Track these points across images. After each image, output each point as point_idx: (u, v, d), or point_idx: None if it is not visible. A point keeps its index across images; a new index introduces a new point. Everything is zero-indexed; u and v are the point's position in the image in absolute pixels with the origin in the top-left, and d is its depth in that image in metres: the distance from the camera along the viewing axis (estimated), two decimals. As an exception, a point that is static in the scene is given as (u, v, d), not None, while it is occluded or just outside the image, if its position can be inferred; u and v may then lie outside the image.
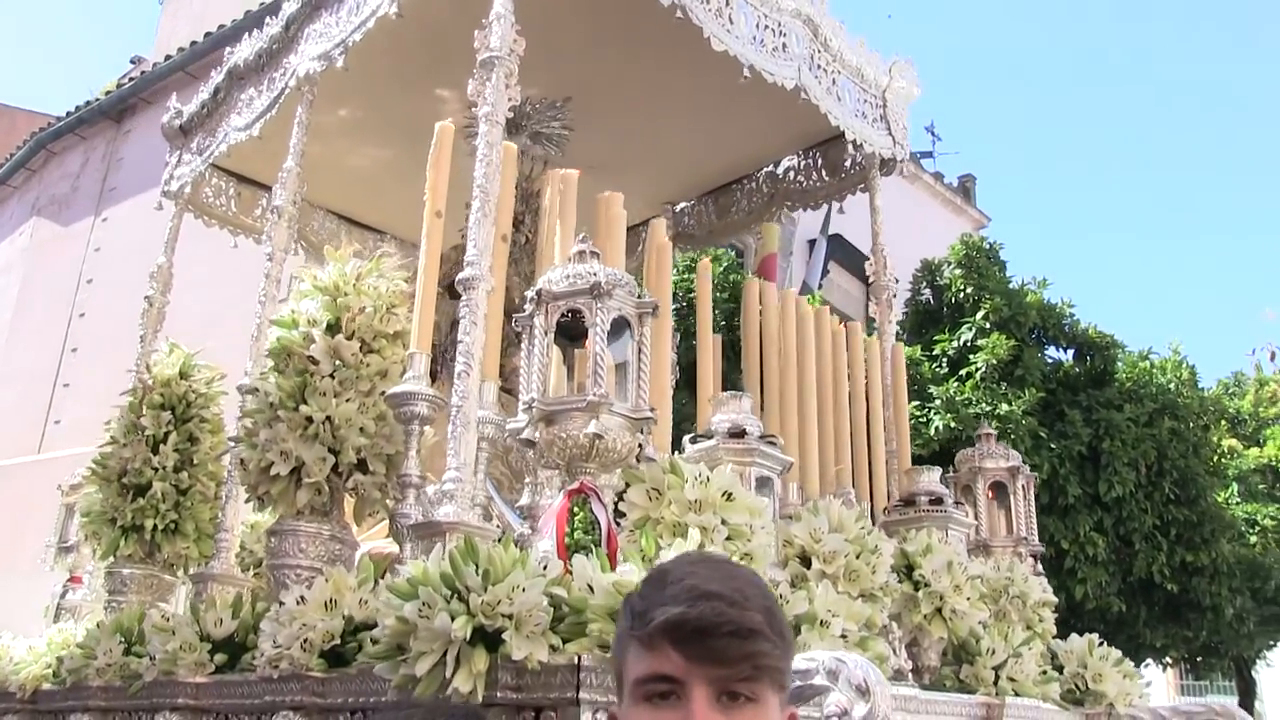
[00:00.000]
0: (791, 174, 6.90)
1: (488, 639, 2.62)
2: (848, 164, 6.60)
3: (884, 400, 5.39)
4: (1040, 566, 5.18)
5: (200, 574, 4.69)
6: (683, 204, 7.31)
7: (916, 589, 4.13)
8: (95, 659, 4.41)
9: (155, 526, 5.08)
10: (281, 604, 3.47)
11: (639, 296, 3.34)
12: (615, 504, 3.26)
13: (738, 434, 3.70)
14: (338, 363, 4.14)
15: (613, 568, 2.88)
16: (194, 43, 13.97)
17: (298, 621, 3.33)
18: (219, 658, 3.91)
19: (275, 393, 4.07)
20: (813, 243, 15.22)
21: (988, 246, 12.97)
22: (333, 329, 4.18)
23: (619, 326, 3.31)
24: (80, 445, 12.90)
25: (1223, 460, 13.27)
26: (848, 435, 5.03)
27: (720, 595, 1.38)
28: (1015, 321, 11.76)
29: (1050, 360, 12.09)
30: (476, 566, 2.72)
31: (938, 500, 4.66)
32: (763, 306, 5.16)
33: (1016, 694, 4.12)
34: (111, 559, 5.18)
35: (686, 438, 3.88)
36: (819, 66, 5.72)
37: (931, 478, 4.76)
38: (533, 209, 6.00)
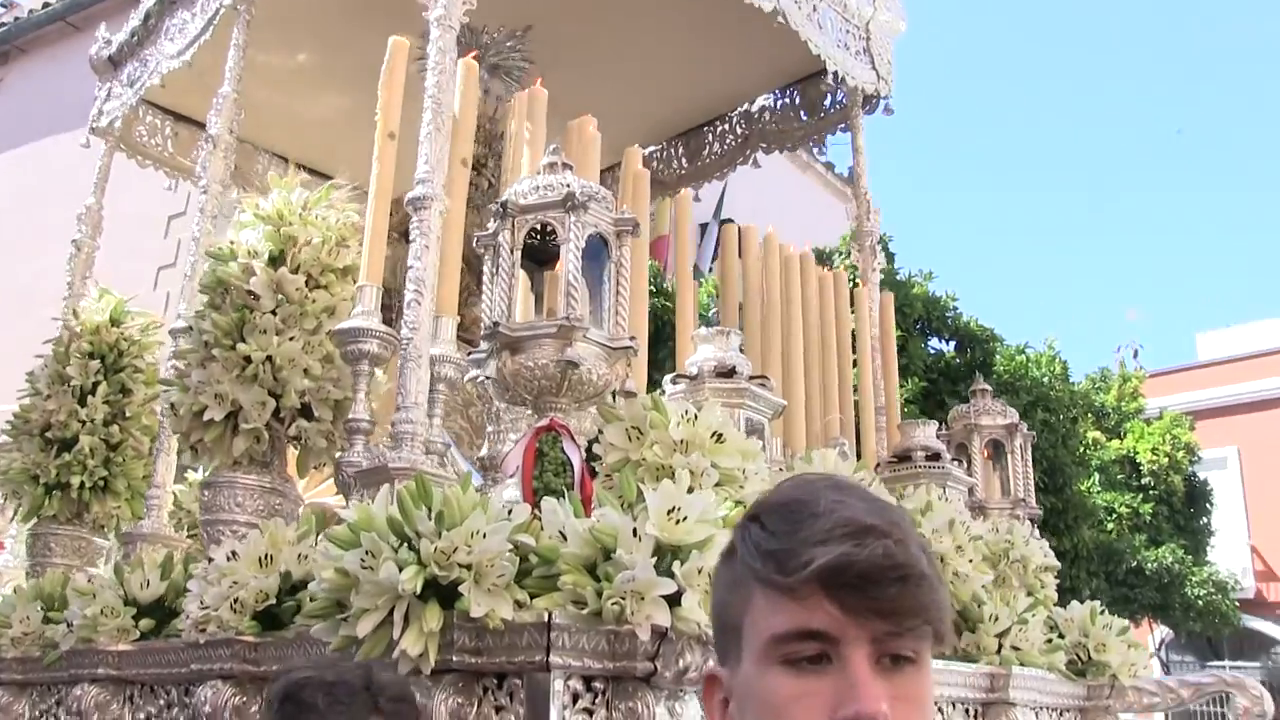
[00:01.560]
0: (767, 114, 6.51)
1: (442, 593, 2.24)
2: (827, 103, 6.23)
3: (871, 351, 5.04)
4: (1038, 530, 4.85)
5: (129, 534, 4.26)
6: (650, 147, 6.90)
7: (916, 548, 3.78)
8: (10, 628, 3.98)
9: (83, 484, 4.63)
10: (211, 560, 3.07)
11: (618, 213, 2.96)
12: (589, 445, 2.89)
13: (725, 373, 3.33)
14: (280, 298, 3.71)
15: (587, 514, 2.51)
16: (77, -12, 13.31)
17: (228, 579, 2.93)
18: (144, 623, 3.50)
19: (211, 330, 3.66)
20: (704, 226, 14.78)
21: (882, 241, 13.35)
22: (275, 261, 3.77)
23: (593, 248, 2.93)
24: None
25: (1087, 451, 13.90)
26: (834, 386, 4.68)
27: (883, 532, 1.05)
28: (901, 312, 12.07)
29: (933, 351, 12.36)
30: (429, 510, 2.34)
31: (934, 456, 4.32)
32: (743, 250, 4.80)
33: (1021, 664, 3.80)
34: (35, 520, 4.74)
35: (667, 377, 3.51)
36: (799, -9, 5.34)
37: (927, 432, 4.42)
38: (495, 152, 5.61)
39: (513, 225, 2.87)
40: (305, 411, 3.68)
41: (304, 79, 6.28)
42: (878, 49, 5.86)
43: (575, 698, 2.26)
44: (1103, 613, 4.33)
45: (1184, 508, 15.49)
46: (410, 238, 3.39)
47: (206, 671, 2.97)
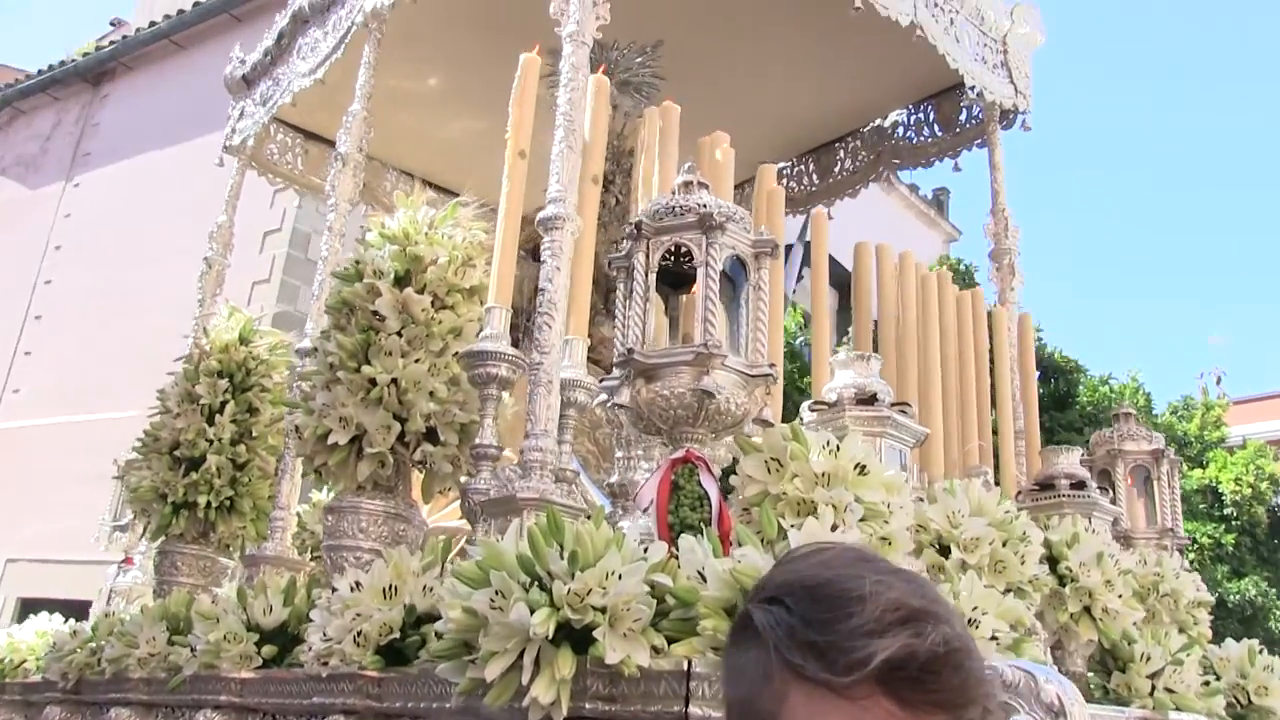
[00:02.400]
0: (900, 129, 6.35)
1: (575, 637, 2.12)
2: (963, 117, 6.03)
3: (1010, 374, 4.81)
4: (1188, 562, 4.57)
5: (252, 556, 4.25)
6: (781, 163, 6.74)
7: (1062, 584, 3.55)
8: (137, 648, 3.99)
9: (209, 503, 4.64)
10: (334, 590, 3.00)
11: (756, 233, 2.82)
12: (724, 477, 2.75)
13: (866, 400, 3.16)
14: (406, 319, 3.65)
15: (725, 552, 2.37)
16: (181, 11, 13.56)
17: (351, 611, 2.85)
18: (267, 650, 3.46)
19: (336, 352, 3.61)
20: (789, 248, 14.60)
21: (963, 269, 13.51)
22: (401, 281, 3.70)
23: (730, 271, 2.80)
24: (41, 416, 12.66)
25: (1170, 482, 13.98)
26: (973, 411, 4.46)
27: (935, 615, 0.97)
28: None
29: (1017, 383, 12.58)
30: (561, 548, 2.23)
31: (1079, 484, 4.08)
32: (878, 267, 4.62)
33: (1177, 707, 3.54)
34: (162, 539, 4.76)
35: (804, 404, 3.35)
36: (935, 4, 5.16)
37: (1071, 459, 4.17)
38: (624, 169, 5.54)
39: (647, 247, 2.75)
40: (431, 435, 3.60)
41: (432, 98, 6.29)
42: (1015, 62, 5.66)
43: (714, 750, 2.12)
44: (1261, 652, 4.06)
45: (1268, 539, 15.23)
46: (541, 258, 3.29)
47: (329, 706, 2.89)
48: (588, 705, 2.15)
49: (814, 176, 6.71)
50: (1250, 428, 18.18)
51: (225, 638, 3.45)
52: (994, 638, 2.72)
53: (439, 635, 2.71)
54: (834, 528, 2.28)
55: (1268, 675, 3.95)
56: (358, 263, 3.80)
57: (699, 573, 2.22)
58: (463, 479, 3.84)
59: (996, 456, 4.59)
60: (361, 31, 5.05)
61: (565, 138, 3.44)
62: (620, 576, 2.12)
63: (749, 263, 2.80)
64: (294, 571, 4.14)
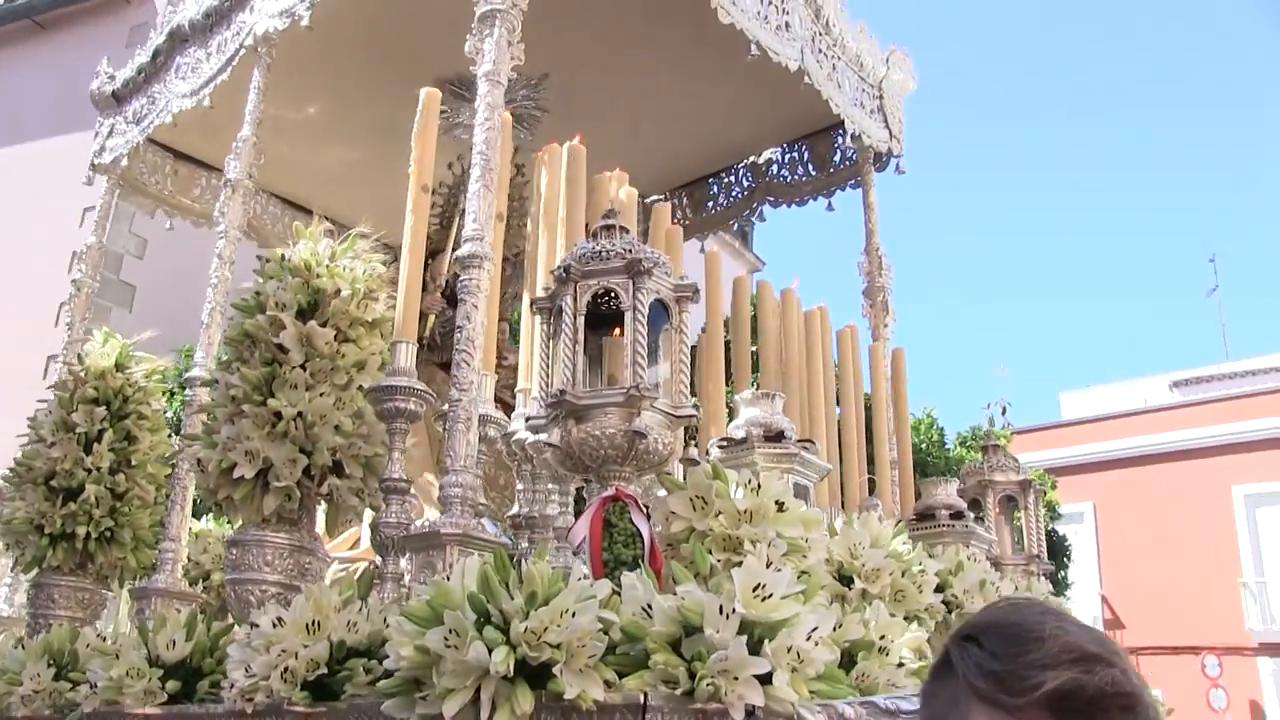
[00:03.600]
0: (774, 167, 6.57)
1: (530, 673, 2.19)
2: (836, 158, 6.30)
3: (886, 407, 5.04)
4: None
5: (143, 589, 4.16)
6: (654, 197, 6.90)
7: (949, 610, 3.76)
8: (20, 684, 3.86)
9: (89, 534, 4.51)
10: (255, 625, 2.99)
11: (677, 278, 2.94)
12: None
13: (774, 437, 3.30)
14: (310, 352, 3.65)
15: (659, 587, 2.48)
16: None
17: (276, 647, 2.85)
18: (170, 685, 3.41)
19: (239, 385, 3.58)
20: None
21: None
22: (304, 314, 3.70)
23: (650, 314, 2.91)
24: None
25: (957, 507, 15.12)
26: (854, 444, 4.66)
27: (1108, 660, 1.10)
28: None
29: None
30: (507, 587, 2.30)
31: (958, 514, 4.32)
32: (757, 303, 4.79)
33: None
34: (36, 571, 4.60)
35: (711, 440, 3.48)
36: (820, 51, 5.42)
37: (949, 490, 4.42)
38: (514, 201, 5.58)
39: (575, 290, 2.84)
40: (336, 468, 3.61)
41: (310, 126, 6.25)
42: (890, 108, 5.95)
43: (663, 779, 2.22)
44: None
45: (1051, 560, 16.21)
46: (459, 297, 3.35)
47: (252, 742, 2.89)
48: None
49: (688, 210, 6.89)
50: (1031, 455, 18.90)
51: (128, 673, 3.39)
52: (900, 664, 2.89)
53: (368, 670, 2.75)
54: (769, 564, 2.40)
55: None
56: (258, 294, 3.78)
57: (645, 609, 2.32)
58: (372, 513, 3.86)
59: (873, 488, 4.80)
60: (249, 55, 5.00)
61: (482, 176, 3.51)
62: (574, 614, 2.21)
63: (670, 306, 2.92)
64: (185, 604, 4.07)
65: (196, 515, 4.94)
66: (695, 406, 2.87)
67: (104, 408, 4.77)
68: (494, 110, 3.58)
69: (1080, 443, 23.93)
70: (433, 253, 5.63)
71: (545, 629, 2.18)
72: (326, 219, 6.75)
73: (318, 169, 6.62)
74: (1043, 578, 4.77)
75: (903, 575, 3.34)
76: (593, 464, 2.77)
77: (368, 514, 4.14)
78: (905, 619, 3.24)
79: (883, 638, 2.91)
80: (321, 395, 3.59)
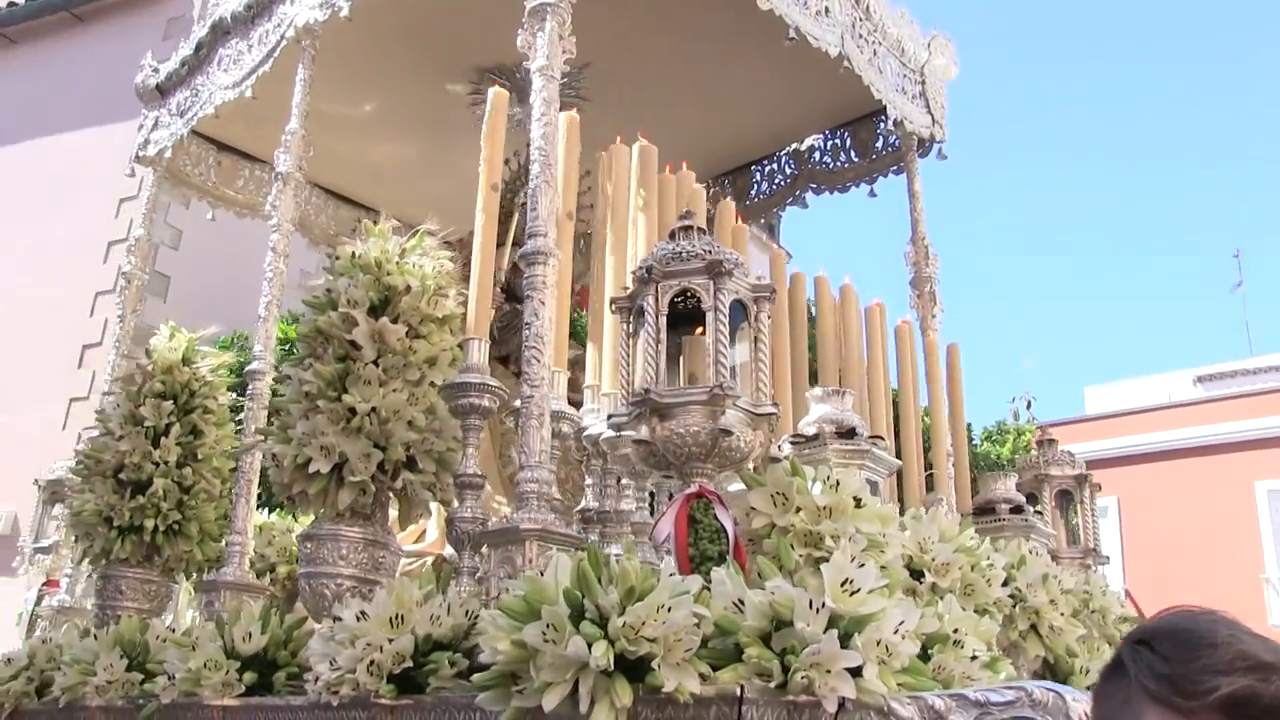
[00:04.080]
0: (817, 154, 6.59)
1: (627, 666, 2.24)
2: (879, 144, 6.31)
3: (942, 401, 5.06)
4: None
5: (211, 581, 4.22)
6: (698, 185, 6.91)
7: (1014, 603, 3.79)
8: (94, 675, 3.93)
9: (156, 527, 4.59)
10: (338, 619, 3.04)
11: (755, 279, 2.98)
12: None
13: (846, 433, 3.34)
14: (382, 348, 3.70)
15: (744, 581, 2.52)
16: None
17: (361, 641, 2.90)
18: (247, 677, 3.47)
19: (313, 380, 3.64)
20: None
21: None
22: (375, 311, 3.75)
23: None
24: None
25: (986, 504, 15.17)
26: (912, 439, 4.69)
27: (1279, 667, 1.12)
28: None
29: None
30: (602, 582, 2.34)
31: (1017, 508, 4.34)
32: (816, 299, 4.82)
33: (1113, 718, 3.80)
34: (103, 563, 4.68)
35: (783, 437, 3.52)
36: (860, 36, 5.42)
37: (1008, 484, 4.44)
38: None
39: (656, 290, 2.87)
40: (410, 463, 3.66)
41: (355, 119, 6.31)
42: (932, 93, 5.95)
43: (758, 770, 2.27)
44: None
45: None
46: (525, 294, 3.39)
47: (338, 733, 2.95)
48: (636, 733, 2.27)
49: (731, 199, 6.88)
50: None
51: (205, 665, 3.46)
52: (974, 657, 2.91)
53: (452, 664, 2.80)
54: (853, 560, 2.43)
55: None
56: (329, 291, 3.83)
57: (736, 603, 2.36)
58: (433, 505, 3.91)
59: (931, 482, 4.83)
60: (292, 46, 5.05)
61: (541, 173, 3.53)
62: (669, 609, 2.25)
63: (749, 305, 2.95)
64: (253, 596, 4.14)
65: (261, 508, 5.01)
66: (774, 405, 2.91)
67: (171, 401, 4.84)
68: (550, 105, 3.60)
69: (1105, 437, 23.79)
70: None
71: (643, 624, 2.22)
72: (363, 206, 6.92)
73: (361, 160, 6.69)
74: (1099, 569, 4.78)
75: (972, 569, 3.37)
76: (676, 461, 2.81)
77: (434, 507, 4.20)
78: (975, 612, 3.27)
79: (956, 631, 2.93)
80: (395, 391, 3.64)
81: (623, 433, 2.90)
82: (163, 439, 4.73)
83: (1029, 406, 21.21)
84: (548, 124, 3.62)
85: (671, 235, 3.04)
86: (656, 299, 2.87)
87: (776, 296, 3.01)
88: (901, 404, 4.73)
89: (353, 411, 3.59)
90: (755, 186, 6.98)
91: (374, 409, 3.59)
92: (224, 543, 4.51)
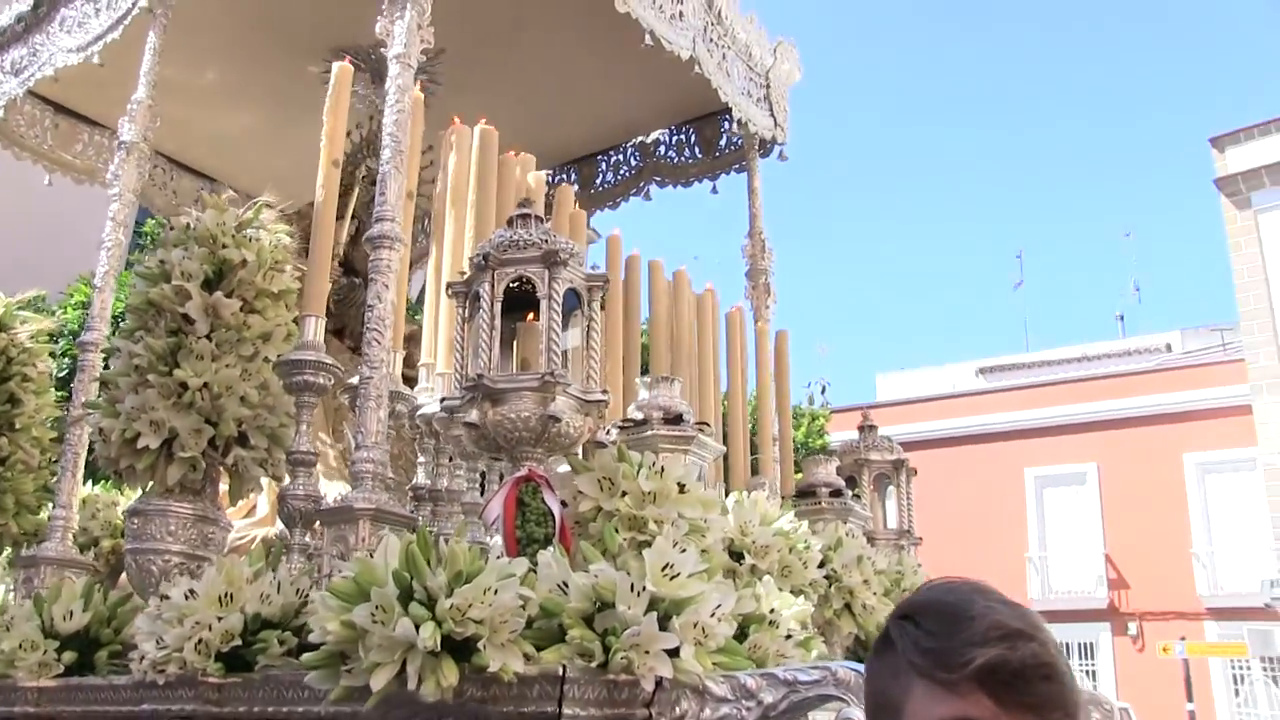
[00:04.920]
0: (662, 148, 6.71)
1: (454, 646, 2.31)
2: (722, 143, 6.46)
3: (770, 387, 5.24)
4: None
5: (32, 556, 4.12)
6: (543, 172, 6.96)
7: (830, 583, 3.99)
8: (-98, 653, 3.80)
9: (-32, 499, 4.45)
10: (165, 597, 3.03)
11: (590, 268, 3.07)
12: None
13: (673, 419, 3.46)
14: (216, 322, 3.67)
15: (569, 564, 2.61)
16: None
17: (190, 619, 2.90)
18: (67, 656, 3.42)
19: (144, 354, 3.58)
20: None
21: None
22: (210, 284, 3.71)
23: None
24: None
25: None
26: (739, 423, 4.85)
27: (1029, 635, 1.25)
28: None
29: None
30: (430, 564, 2.41)
31: (837, 492, 4.55)
32: (650, 283, 4.93)
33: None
34: (-88, 534, 4.52)
35: (611, 422, 3.62)
36: (711, 40, 5.54)
37: (829, 469, 4.65)
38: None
39: (493, 277, 2.94)
40: (242, 439, 3.64)
41: (204, 89, 6.16)
42: (776, 97, 6.12)
43: (576, 745, 2.37)
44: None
45: None
46: (370, 276, 3.41)
47: (162, 712, 2.95)
48: (464, 708, 2.35)
49: (576, 187, 6.97)
50: (846, 435, 19.70)
51: (20, 645, 3.39)
52: (788, 635, 3.08)
53: (282, 642, 2.83)
54: (676, 545, 2.55)
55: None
56: (162, 263, 3.77)
57: (560, 586, 2.46)
58: (263, 481, 3.90)
59: (756, 466, 5.01)
60: (144, 15, 4.92)
61: (392, 158, 3.55)
62: (496, 592, 2.33)
63: (583, 294, 3.04)
64: (77, 572, 4.06)
65: (85, 481, 4.88)
66: (604, 392, 3.01)
67: (-14, 368, 4.68)
68: (404, 93, 3.62)
69: (894, 423, 24.99)
70: None
71: (470, 606, 2.30)
72: (203, 175, 6.76)
73: (205, 130, 6.52)
74: (913, 551, 5.04)
75: (790, 551, 3.54)
76: (506, 445, 2.89)
77: (264, 482, 4.17)
78: (792, 592, 3.44)
79: (772, 611, 3.10)
80: (228, 366, 3.62)
81: (454, 415, 2.96)
82: (-23, 407, 4.58)
83: (824, 391, 21.98)
84: (401, 110, 3.63)
85: (509, 222, 3.10)
86: (492, 286, 2.93)
87: (610, 286, 3.10)
88: (730, 390, 4.89)
89: (184, 386, 3.55)
90: (600, 176, 7.05)
91: (206, 384, 3.56)
92: (45, 516, 4.39)
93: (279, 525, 4.39)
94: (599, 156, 6.98)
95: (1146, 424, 24.74)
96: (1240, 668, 22.99)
